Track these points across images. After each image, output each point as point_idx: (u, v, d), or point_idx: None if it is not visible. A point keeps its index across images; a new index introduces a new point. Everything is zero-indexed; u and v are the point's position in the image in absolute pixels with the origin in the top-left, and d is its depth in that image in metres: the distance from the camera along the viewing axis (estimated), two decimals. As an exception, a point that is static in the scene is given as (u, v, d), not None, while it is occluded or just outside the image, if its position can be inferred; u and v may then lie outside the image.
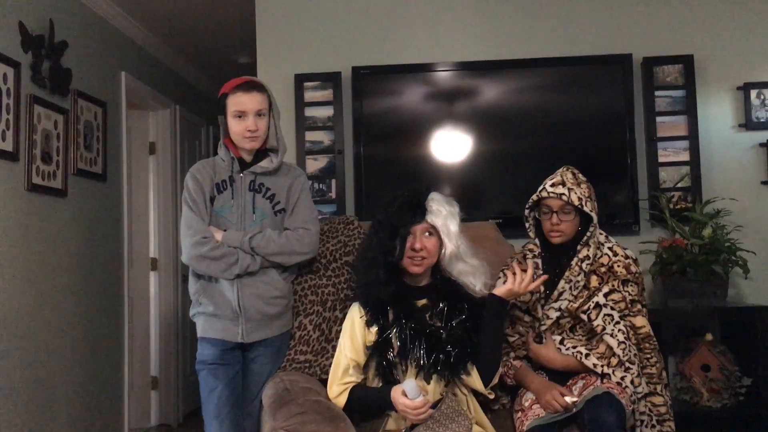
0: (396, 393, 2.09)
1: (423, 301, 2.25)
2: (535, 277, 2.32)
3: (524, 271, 2.28)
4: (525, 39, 3.69)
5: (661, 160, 3.55)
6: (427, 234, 2.20)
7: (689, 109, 3.55)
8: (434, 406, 2.12)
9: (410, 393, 2.05)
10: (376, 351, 2.20)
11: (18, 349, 3.09)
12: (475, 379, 2.22)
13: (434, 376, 2.16)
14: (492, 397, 2.32)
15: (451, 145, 3.61)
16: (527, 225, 2.50)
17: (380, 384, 2.19)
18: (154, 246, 4.90)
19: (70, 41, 3.55)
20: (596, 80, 3.60)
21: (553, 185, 2.37)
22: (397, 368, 2.18)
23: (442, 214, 2.20)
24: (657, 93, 3.57)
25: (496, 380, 2.29)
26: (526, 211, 2.48)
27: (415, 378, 2.15)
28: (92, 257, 3.80)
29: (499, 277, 2.52)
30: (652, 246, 3.38)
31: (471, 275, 2.24)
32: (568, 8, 3.69)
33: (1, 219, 3.01)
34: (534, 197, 2.43)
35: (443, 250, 2.21)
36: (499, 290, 2.25)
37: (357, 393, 2.21)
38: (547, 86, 3.63)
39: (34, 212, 3.25)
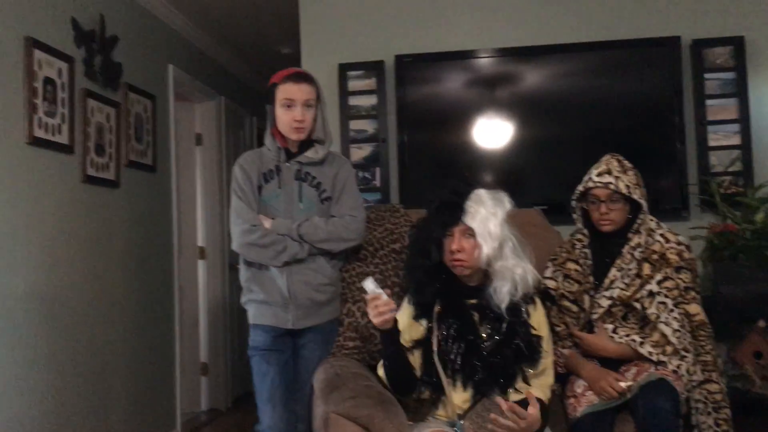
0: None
1: (473, 301, 2.19)
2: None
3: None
4: (568, 23, 3.65)
5: (711, 144, 3.49)
6: (467, 235, 2.14)
7: (740, 91, 3.47)
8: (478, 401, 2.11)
9: (368, 290, 2.02)
10: (421, 346, 2.19)
11: (73, 337, 3.19)
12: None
13: (469, 383, 2.12)
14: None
15: (494, 132, 3.60)
16: (574, 216, 2.47)
17: (426, 378, 2.17)
18: (202, 235, 5.00)
19: (120, 36, 3.63)
20: (643, 64, 3.54)
21: (599, 174, 2.34)
22: (438, 366, 2.15)
23: (480, 215, 2.12)
24: (706, 76, 3.50)
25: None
26: (573, 202, 2.46)
27: (446, 378, 2.12)
28: (143, 246, 3.90)
29: (547, 266, 2.50)
30: (702, 232, 3.32)
31: (500, 278, 2.14)
32: (614, -9, 3.64)
33: (58, 210, 3.11)
34: (580, 188, 2.40)
35: (480, 252, 2.13)
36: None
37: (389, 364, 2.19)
38: (592, 71, 3.58)
39: (88, 203, 3.35)
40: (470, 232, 2.14)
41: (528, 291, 2.19)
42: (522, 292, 2.16)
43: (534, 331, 2.18)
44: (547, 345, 2.21)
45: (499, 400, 2.01)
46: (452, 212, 2.16)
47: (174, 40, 4.45)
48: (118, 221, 3.63)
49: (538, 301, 2.25)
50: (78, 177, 3.26)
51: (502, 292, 2.14)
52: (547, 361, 2.20)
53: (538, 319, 2.22)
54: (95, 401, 3.33)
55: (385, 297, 2.03)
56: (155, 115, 4.06)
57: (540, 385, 2.17)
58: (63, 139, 3.13)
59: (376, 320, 2.05)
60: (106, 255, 3.49)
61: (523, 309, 2.18)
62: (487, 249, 2.12)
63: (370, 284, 2.04)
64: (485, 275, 2.20)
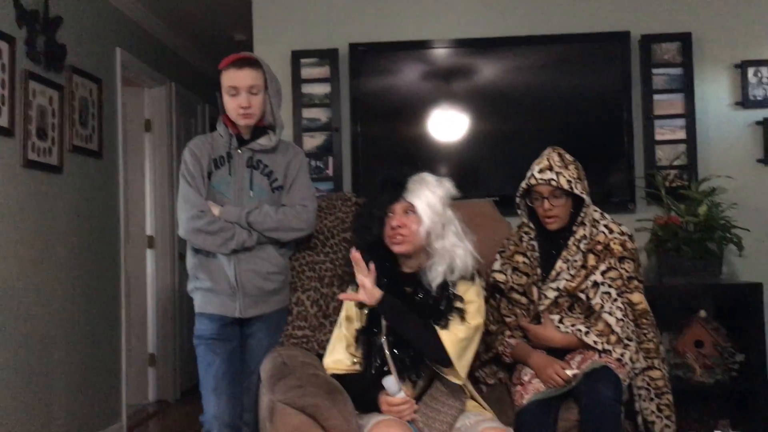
0: (382, 395, 2.08)
1: (409, 289, 2.20)
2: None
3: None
4: (523, 16, 3.67)
5: (657, 138, 3.56)
6: (408, 213, 2.16)
7: (687, 87, 3.55)
8: (430, 383, 2.13)
9: (390, 389, 2.04)
10: (363, 335, 2.20)
11: (14, 326, 3.10)
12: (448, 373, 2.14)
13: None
14: (460, 382, 2.17)
15: (448, 124, 3.61)
16: (519, 212, 2.50)
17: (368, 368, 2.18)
18: (151, 224, 4.90)
19: (65, 17, 3.52)
20: (594, 58, 3.59)
21: (540, 171, 2.36)
22: (384, 354, 2.14)
23: (422, 192, 2.16)
24: (655, 71, 3.57)
25: (461, 364, 2.14)
26: (518, 199, 2.48)
27: (396, 370, 2.11)
28: (88, 234, 3.80)
29: (496, 259, 2.53)
30: (648, 224, 3.40)
31: (437, 258, 2.16)
32: (567, -15, 3.67)
33: (-2, 195, 3.01)
34: (524, 185, 2.42)
35: (422, 227, 2.14)
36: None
37: (347, 385, 2.17)
38: (544, 64, 3.62)
39: (29, 188, 3.24)
40: (411, 209, 2.16)
41: (466, 274, 2.19)
42: (459, 274, 2.17)
43: (459, 304, 2.15)
44: (474, 315, 2.16)
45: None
46: (394, 190, 2.18)
47: (122, 23, 4.33)
48: (62, 208, 3.52)
49: (476, 278, 2.24)
50: (18, 161, 3.15)
51: (437, 271, 2.15)
52: (466, 326, 2.15)
53: (469, 293, 2.19)
54: (36, 393, 3.23)
55: (404, 395, 2.05)
56: (102, 99, 3.95)
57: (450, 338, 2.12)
58: (2, 121, 3.02)
59: (402, 417, 2.05)
60: (48, 243, 3.39)
61: (452, 286, 2.17)
62: (428, 222, 2.13)
63: (393, 387, 2.03)
64: (425, 258, 2.19)
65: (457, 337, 2.11)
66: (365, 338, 2.19)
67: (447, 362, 2.10)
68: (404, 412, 2.05)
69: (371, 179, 3.54)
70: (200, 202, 2.36)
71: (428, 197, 2.15)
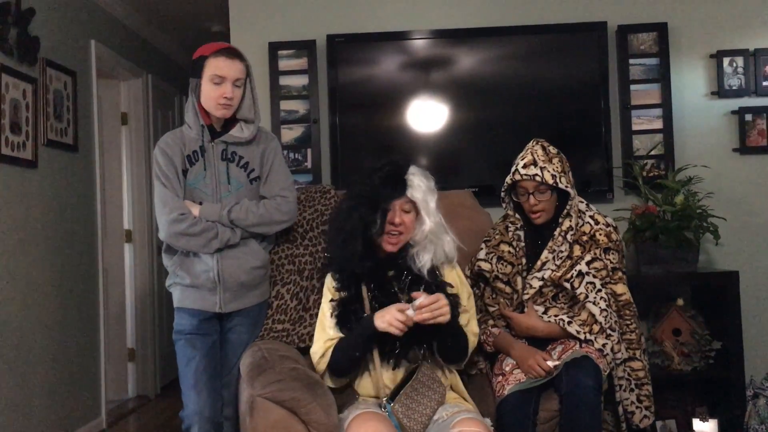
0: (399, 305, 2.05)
1: (391, 273, 2.22)
2: None
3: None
4: (501, 6, 3.67)
5: (634, 128, 3.58)
6: (404, 209, 2.16)
7: (663, 77, 3.57)
8: (411, 374, 2.13)
9: (414, 304, 2.01)
10: (343, 305, 2.20)
11: (-9, 322, 3.06)
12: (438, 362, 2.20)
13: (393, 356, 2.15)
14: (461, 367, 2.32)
15: (427, 115, 3.60)
16: (504, 206, 2.51)
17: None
18: (128, 218, 4.86)
19: (38, 8, 3.46)
20: (571, 48, 3.60)
21: (525, 166, 2.36)
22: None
23: (422, 188, 2.16)
24: (631, 61, 3.58)
25: (464, 361, 2.29)
26: (503, 194, 2.48)
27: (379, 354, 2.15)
28: (65, 229, 3.75)
29: (481, 248, 2.53)
30: (626, 213, 3.41)
31: (420, 246, 2.19)
32: (544, -25, 3.67)
33: (-29, 191, 2.96)
34: (508, 180, 2.42)
35: (421, 226, 2.16)
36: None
37: (339, 342, 2.18)
38: (522, 54, 3.62)
39: (4, 184, 3.19)
40: (407, 208, 2.16)
41: (449, 261, 2.26)
42: (442, 259, 2.23)
43: (451, 290, 2.22)
44: (468, 302, 2.28)
45: (415, 294, 2.07)
46: (395, 185, 2.16)
47: (96, 15, 4.27)
48: (37, 203, 3.47)
49: (455, 262, 2.30)
50: (-8, 156, 3.10)
51: (424, 258, 2.18)
52: (468, 315, 2.27)
53: (453, 278, 2.27)
54: (14, 390, 3.20)
55: (412, 315, 2.04)
56: (76, 92, 3.90)
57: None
58: (-26, 115, 2.97)
59: (438, 318, 2.04)
60: (24, 239, 3.34)
61: (438, 272, 2.23)
62: (430, 224, 2.16)
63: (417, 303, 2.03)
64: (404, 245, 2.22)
65: (472, 331, 2.26)
66: (344, 308, 2.20)
67: (462, 360, 2.23)
68: (398, 324, 2.02)
69: (350, 171, 3.53)
70: (178, 204, 2.31)
71: (427, 195, 2.17)
